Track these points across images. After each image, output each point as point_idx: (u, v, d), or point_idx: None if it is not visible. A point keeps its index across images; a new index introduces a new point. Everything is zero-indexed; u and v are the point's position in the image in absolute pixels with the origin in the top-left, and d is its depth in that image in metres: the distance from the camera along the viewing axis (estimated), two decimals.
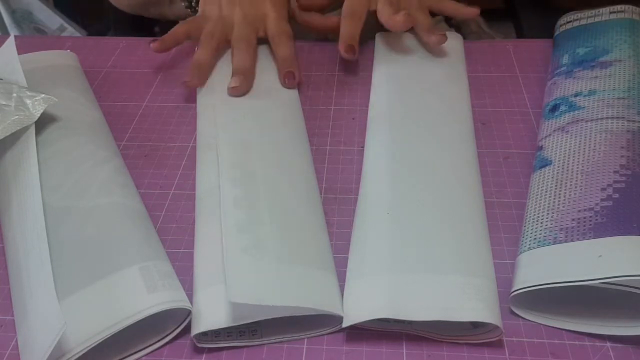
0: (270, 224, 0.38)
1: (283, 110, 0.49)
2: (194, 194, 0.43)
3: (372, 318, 0.33)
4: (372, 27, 0.65)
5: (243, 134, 0.45)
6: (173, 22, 0.78)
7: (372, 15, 0.54)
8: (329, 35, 0.62)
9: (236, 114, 0.47)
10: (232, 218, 0.37)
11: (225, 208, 0.38)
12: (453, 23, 0.73)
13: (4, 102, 0.44)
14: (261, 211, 0.39)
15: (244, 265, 0.34)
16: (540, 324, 0.35)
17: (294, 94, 0.52)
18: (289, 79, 0.51)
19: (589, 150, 0.40)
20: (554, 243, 0.36)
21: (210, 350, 0.34)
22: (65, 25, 1.18)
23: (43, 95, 0.45)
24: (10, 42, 0.52)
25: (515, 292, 0.35)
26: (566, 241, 0.35)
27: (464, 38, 0.57)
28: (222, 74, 0.52)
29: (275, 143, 0.44)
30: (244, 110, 0.47)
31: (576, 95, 0.45)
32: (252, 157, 0.43)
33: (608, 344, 0.34)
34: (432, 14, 0.56)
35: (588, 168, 0.39)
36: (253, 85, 0.50)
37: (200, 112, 0.50)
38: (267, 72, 0.53)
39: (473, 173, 0.42)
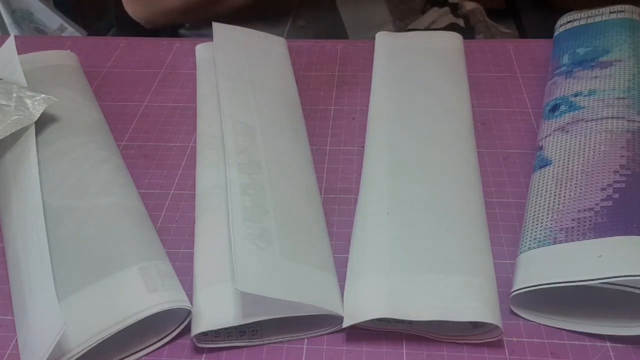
0: (274, 218, 0.38)
1: (283, 110, 0.49)
2: (194, 194, 0.43)
3: (372, 318, 0.33)
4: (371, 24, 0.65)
5: (247, 121, 0.45)
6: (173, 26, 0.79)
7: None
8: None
9: (239, 106, 0.47)
10: (239, 204, 0.37)
11: (233, 193, 0.38)
12: (460, 14, 0.74)
13: (4, 102, 0.44)
14: (266, 202, 0.38)
15: (250, 254, 0.34)
16: (540, 324, 0.35)
17: (294, 93, 0.52)
18: None
19: (589, 150, 0.40)
20: (554, 243, 0.36)
21: (210, 350, 0.34)
22: (65, 25, 1.18)
23: (43, 95, 0.45)
24: (10, 42, 0.52)
25: (515, 292, 0.35)
26: (566, 241, 0.35)
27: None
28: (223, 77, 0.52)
29: (276, 142, 0.44)
30: (246, 106, 0.47)
31: (576, 95, 0.45)
32: (257, 145, 0.43)
33: (608, 344, 0.34)
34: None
35: (588, 168, 0.39)
36: (252, 86, 0.50)
37: (200, 111, 0.50)
38: (267, 72, 0.52)
39: (473, 173, 0.42)
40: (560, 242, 0.35)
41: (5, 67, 0.50)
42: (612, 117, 0.42)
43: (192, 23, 0.77)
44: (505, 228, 0.41)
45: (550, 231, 0.36)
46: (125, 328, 0.32)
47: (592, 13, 0.52)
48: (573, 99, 0.45)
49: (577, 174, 0.39)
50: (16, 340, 0.35)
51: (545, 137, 0.44)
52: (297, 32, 0.71)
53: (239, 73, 0.50)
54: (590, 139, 0.41)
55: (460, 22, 0.75)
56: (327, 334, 0.35)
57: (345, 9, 0.70)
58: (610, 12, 0.52)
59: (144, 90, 0.56)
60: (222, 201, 0.40)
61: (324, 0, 0.66)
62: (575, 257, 0.34)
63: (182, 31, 0.79)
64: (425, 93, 0.48)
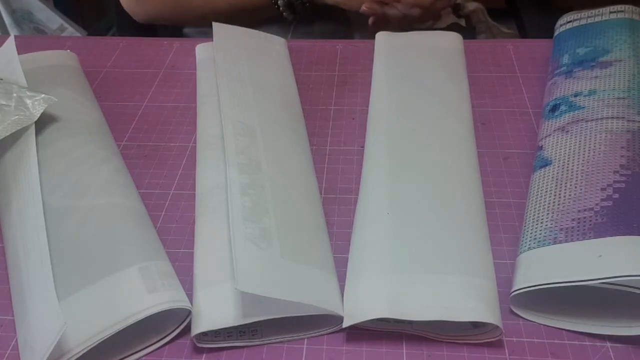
0: (274, 218, 0.38)
1: (283, 110, 0.49)
2: (194, 194, 0.43)
3: (372, 318, 0.33)
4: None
5: (247, 121, 0.45)
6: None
7: None
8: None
9: (239, 106, 0.47)
10: (239, 204, 0.37)
11: (233, 194, 0.38)
12: (461, 14, 0.74)
13: (4, 102, 0.44)
14: (266, 202, 0.38)
15: (251, 254, 0.34)
16: (540, 324, 0.35)
17: (294, 93, 0.52)
18: None
19: (589, 150, 0.40)
20: (554, 243, 0.36)
21: (210, 350, 0.34)
22: (65, 25, 1.18)
23: (43, 95, 0.45)
24: (10, 42, 0.52)
25: (515, 292, 0.35)
26: (566, 241, 0.35)
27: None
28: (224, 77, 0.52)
29: (276, 142, 0.44)
30: (246, 106, 0.47)
31: (576, 95, 0.45)
32: (257, 145, 0.43)
33: (608, 344, 0.34)
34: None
35: (588, 168, 0.39)
36: (252, 86, 0.50)
37: (200, 111, 0.50)
38: (267, 72, 0.52)
39: (473, 173, 0.42)
40: (560, 242, 0.35)
41: (5, 67, 0.50)
42: (612, 117, 0.42)
43: (187, 24, 0.77)
44: (505, 228, 0.41)
45: (550, 231, 0.36)
46: (125, 328, 0.32)
47: (592, 13, 0.52)
48: (573, 99, 0.45)
49: (577, 174, 0.39)
50: (16, 340, 0.35)
51: (545, 137, 0.44)
52: (303, 29, 0.71)
53: (239, 73, 0.50)
54: (590, 139, 0.41)
55: (462, 22, 0.75)
56: (327, 334, 0.35)
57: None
58: (610, 12, 0.52)
59: (144, 90, 0.56)
60: (222, 201, 0.40)
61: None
62: (575, 257, 0.34)
63: (185, 30, 0.79)
64: (425, 93, 0.48)
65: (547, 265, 0.35)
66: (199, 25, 0.75)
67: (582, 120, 0.43)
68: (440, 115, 0.46)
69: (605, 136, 0.41)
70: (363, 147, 0.47)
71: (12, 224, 0.39)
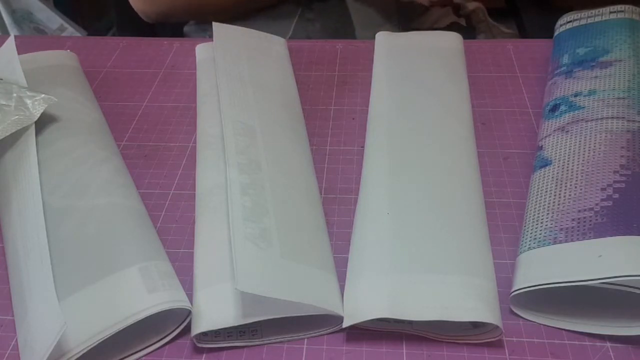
0: (275, 218, 0.38)
1: (283, 110, 0.49)
2: (194, 194, 0.43)
3: (372, 318, 0.33)
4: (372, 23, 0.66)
5: (247, 121, 0.45)
6: (176, 25, 0.79)
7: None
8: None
9: (239, 106, 0.47)
10: (239, 204, 0.37)
11: (233, 193, 0.38)
12: (461, 14, 0.74)
13: (4, 102, 0.44)
14: (266, 202, 0.38)
15: (251, 254, 0.34)
16: (540, 324, 0.35)
17: (294, 93, 0.52)
18: None
19: (589, 150, 0.40)
20: (554, 243, 0.36)
21: (210, 350, 0.34)
22: (65, 25, 1.18)
23: (43, 95, 0.45)
24: (10, 42, 0.52)
25: (515, 292, 0.35)
26: (566, 241, 0.35)
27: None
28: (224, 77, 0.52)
29: (276, 142, 0.44)
30: (246, 106, 0.47)
31: (576, 95, 0.45)
32: (257, 145, 0.43)
33: (608, 344, 0.34)
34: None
35: (588, 168, 0.39)
36: (252, 86, 0.50)
37: (200, 111, 0.50)
38: (267, 72, 0.52)
39: (473, 173, 0.42)
40: (560, 242, 0.35)
41: (5, 67, 0.50)
42: (612, 117, 0.42)
43: (200, 18, 0.77)
44: (505, 228, 0.41)
45: (550, 231, 0.36)
46: (125, 328, 0.32)
47: (592, 13, 0.52)
48: (573, 99, 0.45)
49: (577, 174, 0.39)
50: (16, 340, 0.35)
51: (545, 137, 0.44)
52: (304, 25, 0.71)
53: (239, 73, 0.50)
54: (590, 139, 0.41)
55: (462, 22, 0.76)
56: (327, 334, 0.35)
57: (353, 4, 0.70)
58: (610, 12, 0.52)
59: (144, 90, 0.56)
60: (222, 201, 0.40)
61: None
62: (575, 257, 0.34)
63: (185, 28, 0.79)
64: (425, 93, 0.48)
65: (547, 265, 0.35)
66: (208, 19, 0.75)
67: (582, 120, 0.43)
68: (440, 115, 0.46)
69: (605, 136, 0.41)
70: (363, 147, 0.47)
71: (12, 224, 0.39)
